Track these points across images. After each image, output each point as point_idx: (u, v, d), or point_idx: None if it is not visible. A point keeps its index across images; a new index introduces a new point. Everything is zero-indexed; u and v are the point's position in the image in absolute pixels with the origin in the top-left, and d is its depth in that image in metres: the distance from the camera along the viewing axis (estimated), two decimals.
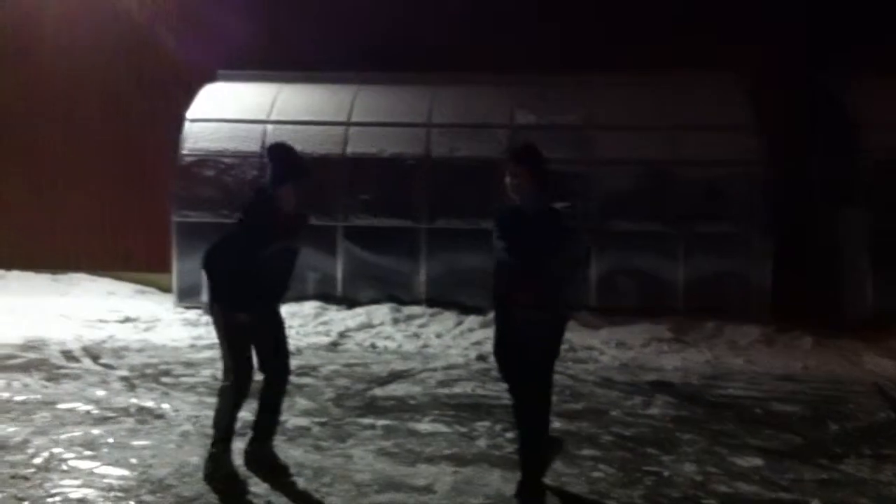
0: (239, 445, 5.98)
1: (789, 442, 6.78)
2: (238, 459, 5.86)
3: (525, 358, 5.17)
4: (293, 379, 8.13)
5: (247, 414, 5.97)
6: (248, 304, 5.57)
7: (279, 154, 5.79)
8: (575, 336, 9.93)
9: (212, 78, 13.29)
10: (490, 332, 10.24)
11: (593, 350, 9.97)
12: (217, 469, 5.60)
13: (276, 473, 5.68)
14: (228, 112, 12.71)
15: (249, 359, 5.73)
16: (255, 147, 12.25)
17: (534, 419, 5.21)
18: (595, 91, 12.53)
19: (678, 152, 11.88)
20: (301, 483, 5.58)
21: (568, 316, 5.49)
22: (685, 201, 11.72)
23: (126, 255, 13.75)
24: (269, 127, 12.40)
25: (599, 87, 12.52)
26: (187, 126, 12.45)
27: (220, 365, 8.82)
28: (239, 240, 5.61)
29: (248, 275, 5.52)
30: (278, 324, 5.92)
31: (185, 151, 12.30)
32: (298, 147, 12.09)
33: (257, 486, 5.48)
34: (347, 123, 12.45)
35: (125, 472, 5.67)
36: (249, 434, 5.89)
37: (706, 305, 11.26)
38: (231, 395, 5.70)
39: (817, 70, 12.59)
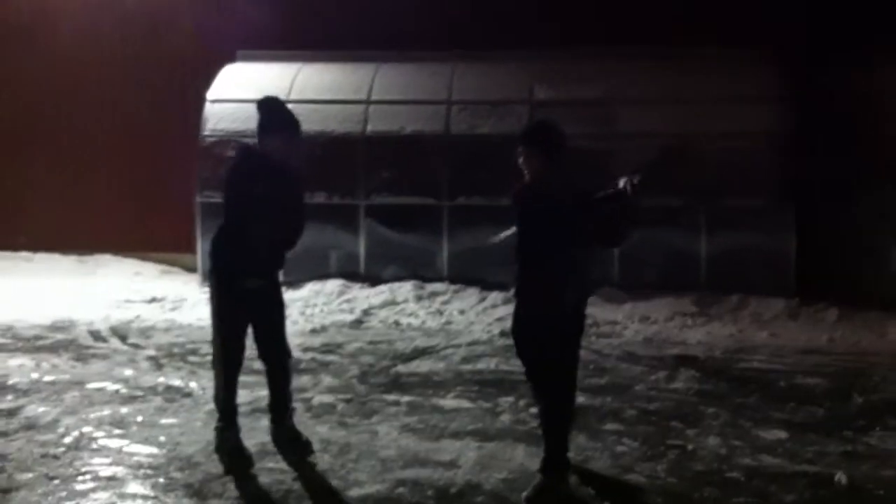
0: (265, 423, 6.06)
1: (814, 415, 6.78)
2: (265, 437, 5.93)
3: (545, 343, 5.15)
4: (318, 357, 8.26)
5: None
6: (248, 270, 5.54)
7: (266, 106, 5.77)
8: (598, 311, 9.93)
9: (232, 58, 13.33)
10: (513, 309, 10.34)
11: (616, 324, 9.98)
12: (222, 446, 5.64)
13: (302, 449, 5.74)
14: (248, 92, 12.68)
15: (239, 339, 5.68)
16: None
17: (557, 395, 5.20)
18: (616, 65, 12.47)
19: (700, 126, 11.81)
20: (327, 459, 5.64)
21: (588, 294, 5.45)
22: (707, 175, 11.66)
23: (151, 236, 13.85)
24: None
25: (618, 62, 12.45)
26: (208, 107, 12.50)
27: (246, 343, 8.96)
28: (236, 212, 5.54)
29: (248, 235, 5.47)
30: (278, 303, 5.83)
31: (206, 132, 12.37)
32: (318, 126, 12.28)
33: (284, 463, 5.54)
34: (367, 102, 12.47)
35: (154, 450, 5.75)
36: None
37: (730, 280, 11.23)
38: (218, 372, 5.70)
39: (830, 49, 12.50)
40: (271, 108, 5.77)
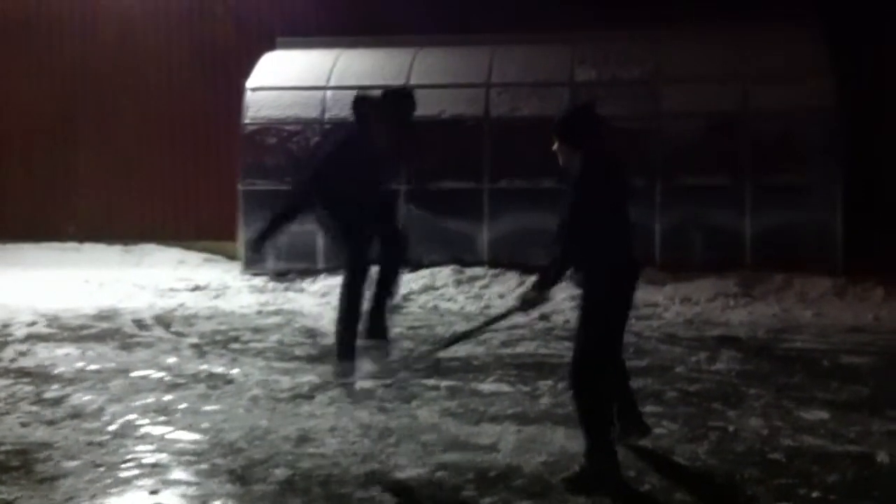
0: (306, 409, 6.14)
1: (857, 394, 6.69)
2: (306, 422, 5.99)
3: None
4: (357, 342, 8.27)
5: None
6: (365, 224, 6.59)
7: (398, 95, 6.19)
8: (639, 292, 9.78)
9: (271, 46, 13.41)
10: (552, 292, 10.30)
11: (657, 306, 9.92)
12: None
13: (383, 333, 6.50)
14: (288, 79, 12.81)
15: (368, 249, 6.75)
16: (315, 113, 12.36)
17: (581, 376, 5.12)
18: (657, 44, 12.36)
19: (744, 103, 11.71)
20: (368, 443, 5.66)
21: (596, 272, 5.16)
22: (752, 153, 11.54)
23: (195, 224, 14.01)
24: (329, 93, 12.48)
25: (661, 41, 12.34)
26: (249, 95, 12.59)
27: (287, 330, 9.08)
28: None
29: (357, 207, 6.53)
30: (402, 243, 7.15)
31: (247, 120, 12.46)
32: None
33: (325, 447, 5.58)
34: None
35: (197, 437, 5.82)
36: (319, 395, 6.01)
37: (775, 259, 11.11)
38: (350, 288, 6.71)
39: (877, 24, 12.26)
40: (403, 96, 6.30)
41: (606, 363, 5.13)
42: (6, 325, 9.23)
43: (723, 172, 11.56)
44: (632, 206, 5.18)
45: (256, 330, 9.14)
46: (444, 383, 7.03)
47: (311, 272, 11.74)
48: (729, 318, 9.54)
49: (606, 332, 5.11)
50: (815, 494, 4.81)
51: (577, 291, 5.28)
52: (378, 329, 7.30)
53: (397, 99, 7.01)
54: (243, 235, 12.24)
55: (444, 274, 11.16)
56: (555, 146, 5.15)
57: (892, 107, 12.34)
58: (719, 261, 11.23)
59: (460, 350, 8.17)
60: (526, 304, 5.28)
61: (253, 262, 12.09)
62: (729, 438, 5.73)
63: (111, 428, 6.00)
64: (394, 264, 7.34)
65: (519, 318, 9.44)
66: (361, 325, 7.16)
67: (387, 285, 7.30)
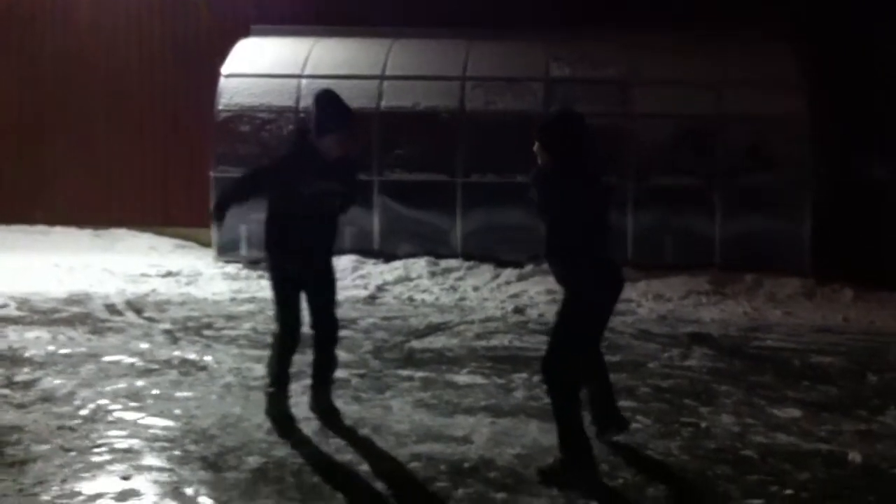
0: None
1: (828, 394, 6.77)
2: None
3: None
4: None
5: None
6: (295, 255, 5.70)
7: (323, 103, 5.79)
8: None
9: (246, 33, 13.31)
10: (526, 286, 10.38)
11: (631, 303, 9.97)
12: (272, 410, 5.81)
13: (326, 420, 5.81)
14: (263, 67, 12.73)
15: (295, 310, 5.81)
16: (289, 101, 12.29)
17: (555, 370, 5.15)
18: (633, 45, 12.42)
19: (718, 107, 11.80)
20: (341, 433, 5.65)
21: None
22: (724, 156, 11.64)
23: (166, 211, 13.91)
24: (304, 81, 12.42)
25: (638, 42, 12.39)
26: (223, 82, 12.49)
27: (260, 318, 9.04)
28: (272, 175, 5.81)
29: (291, 222, 5.67)
30: (331, 281, 5.96)
31: (221, 107, 12.36)
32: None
33: (298, 436, 5.56)
34: (381, 77, 12.43)
35: (170, 423, 5.78)
36: (292, 384, 5.97)
37: (745, 259, 11.23)
38: (277, 343, 5.87)
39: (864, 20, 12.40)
40: (327, 105, 5.77)
41: (579, 359, 5.12)
42: None
43: (695, 174, 11.63)
44: (609, 212, 5.22)
45: (230, 317, 9.09)
46: (418, 374, 7.04)
47: None
48: (701, 315, 9.61)
49: (586, 329, 5.11)
50: (787, 492, 4.86)
51: (555, 286, 5.28)
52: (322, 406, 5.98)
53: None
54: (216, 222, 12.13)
55: (419, 265, 11.17)
56: (535, 146, 5.17)
57: (861, 112, 12.48)
58: (691, 260, 11.32)
59: (435, 341, 8.19)
60: None
61: (226, 250, 12.02)
62: (701, 435, 5.77)
63: (82, 412, 5.94)
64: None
65: (494, 312, 9.52)
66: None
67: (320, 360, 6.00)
